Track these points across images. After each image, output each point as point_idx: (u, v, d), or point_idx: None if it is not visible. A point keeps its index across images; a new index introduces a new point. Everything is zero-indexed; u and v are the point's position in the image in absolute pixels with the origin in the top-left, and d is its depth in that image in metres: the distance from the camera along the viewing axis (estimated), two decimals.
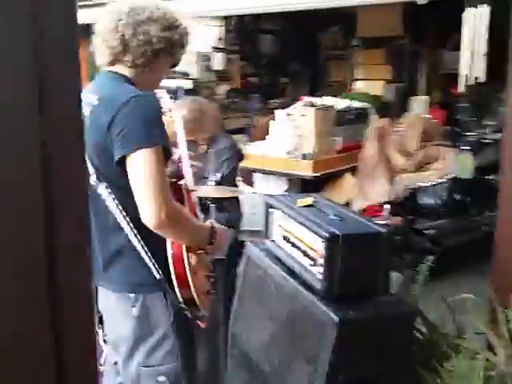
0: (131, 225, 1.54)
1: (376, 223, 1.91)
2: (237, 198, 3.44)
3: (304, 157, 4.30)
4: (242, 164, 4.11)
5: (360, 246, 1.76)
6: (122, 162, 1.47)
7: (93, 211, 1.62)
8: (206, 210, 3.24)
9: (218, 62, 7.75)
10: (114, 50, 1.58)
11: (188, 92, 6.03)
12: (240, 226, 3.56)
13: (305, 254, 1.91)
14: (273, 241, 2.18)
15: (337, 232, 1.71)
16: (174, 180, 1.72)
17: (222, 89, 7.58)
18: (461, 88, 3.86)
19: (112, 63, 1.62)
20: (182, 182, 1.73)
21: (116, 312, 1.66)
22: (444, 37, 6.11)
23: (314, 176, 4.30)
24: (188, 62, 7.41)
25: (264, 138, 4.64)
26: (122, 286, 1.63)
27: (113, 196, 1.55)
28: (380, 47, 6.40)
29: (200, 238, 1.65)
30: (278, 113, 4.49)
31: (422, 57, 6.28)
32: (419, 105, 5.54)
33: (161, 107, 1.58)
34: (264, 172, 4.43)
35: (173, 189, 1.68)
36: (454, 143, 4.51)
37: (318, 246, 1.79)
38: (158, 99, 1.60)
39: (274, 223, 2.18)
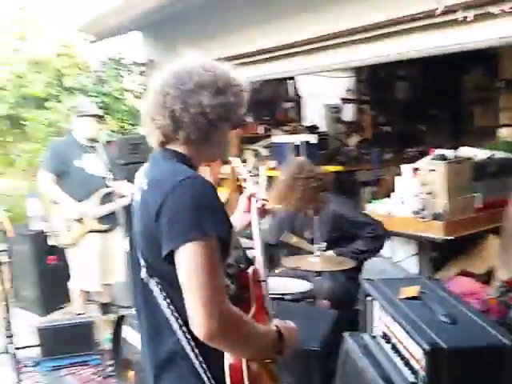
0: (184, 328, 1.33)
1: (501, 329, 1.48)
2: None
3: (435, 217, 3.81)
4: None
5: (473, 364, 1.34)
6: (171, 256, 1.27)
7: (143, 309, 1.45)
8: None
9: (348, 113, 7.53)
10: (165, 128, 1.38)
11: (314, 146, 5.83)
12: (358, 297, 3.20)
13: (406, 363, 1.54)
14: (373, 337, 1.83)
15: (441, 344, 1.33)
16: (240, 267, 1.49)
17: (353, 140, 7.29)
18: None
19: (164, 143, 1.43)
20: (249, 271, 1.48)
21: None
22: None
23: (448, 239, 3.76)
24: (316, 115, 7.32)
25: (389, 195, 4.24)
26: None
27: (164, 294, 1.33)
28: None
29: (263, 348, 1.37)
30: (404, 168, 4.08)
31: None
32: None
33: (213, 190, 1.35)
34: (390, 234, 4.01)
35: (238, 279, 1.44)
36: None
37: (421, 357, 1.42)
38: (208, 181, 1.38)
39: (373, 314, 1.84)
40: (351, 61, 5.03)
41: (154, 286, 1.37)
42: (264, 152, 6.19)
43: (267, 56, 4.65)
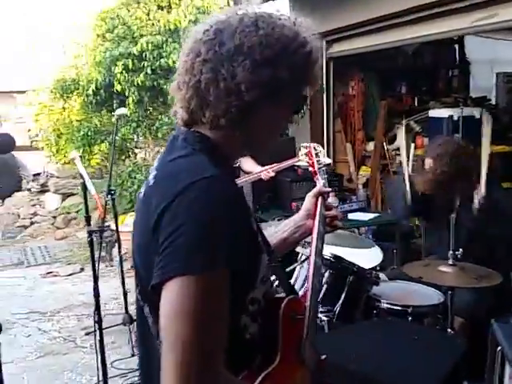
0: None
1: None
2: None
3: None
4: None
5: None
6: (160, 288, 0.88)
7: (140, 337, 1.10)
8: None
9: None
10: (188, 103, 1.00)
11: (477, 122, 4.95)
12: None
13: None
14: None
15: None
16: (272, 299, 1.07)
17: None
18: None
19: (189, 122, 1.04)
20: (282, 305, 1.05)
21: None
22: None
23: None
24: (487, 85, 6.30)
25: None
26: None
27: (157, 328, 0.93)
28: None
29: None
30: None
31: None
32: None
33: (236, 198, 0.95)
34: None
35: (264, 316, 1.03)
36: None
37: None
38: (233, 185, 0.97)
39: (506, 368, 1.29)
40: None
41: (147, 313, 1.02)
42: (417, 128, 5.48)
43: (423, 14, 3.94)
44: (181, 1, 4.86)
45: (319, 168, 1.46)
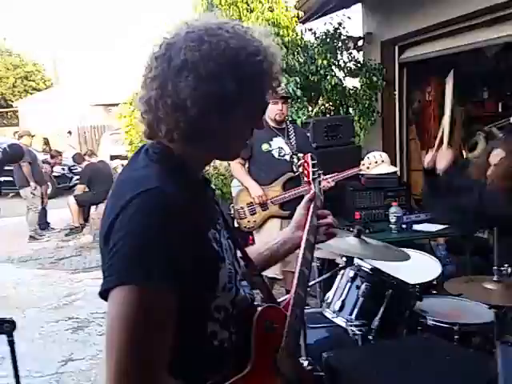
0: None
1: None
2: None
3: None
4: None
5: None
6: (106, 297, 0.92)
7: None
8: None
9: None
10: (145, 118, 1.04)
11: None
12: None
13: None
14: None
15: None
16: (252, 304, 1.09)
17: None
18: None
19: (149, 135, 1.06)
20: (256, 313, 1.06)
21: None
22: None
23: None
24: None
25: None
26: None
27: None
28: None
29: None
30: None
31: None
32: None
33: (182, 211, 0.93)
34: None
35: (236, 323, 1.05)
36: None
37: None
38: (181, 196, 0.94)
39: None
40: None
41: None
42: (500, 134, 5.14)
43: (496, 15, 3.72)
44: (251, 13, 4.96)
45: (313, 178, 1.45)
